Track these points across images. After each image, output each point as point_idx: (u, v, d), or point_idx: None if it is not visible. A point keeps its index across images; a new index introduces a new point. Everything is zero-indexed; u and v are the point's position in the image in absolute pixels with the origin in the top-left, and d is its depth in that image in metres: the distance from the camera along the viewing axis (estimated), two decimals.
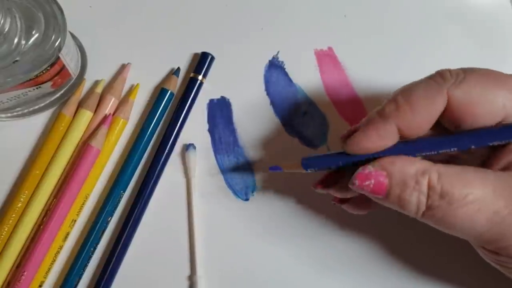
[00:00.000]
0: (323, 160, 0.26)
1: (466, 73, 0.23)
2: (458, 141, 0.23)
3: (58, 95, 0.31)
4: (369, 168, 0.23)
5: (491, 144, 0.23)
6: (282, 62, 0.34)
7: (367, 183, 0.23)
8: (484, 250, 0.24)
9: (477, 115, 0.23)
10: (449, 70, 0.24)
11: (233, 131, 0.33)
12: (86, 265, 0.30)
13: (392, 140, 0.23)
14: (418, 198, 0.22)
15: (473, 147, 0.23)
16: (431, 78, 0.24)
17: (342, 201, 0.28)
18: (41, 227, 0.30)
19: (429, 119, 0.23)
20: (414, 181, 0.22)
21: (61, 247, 0.30)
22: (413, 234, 0.31)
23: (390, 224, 0.31)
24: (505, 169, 0.23)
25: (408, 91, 0.23)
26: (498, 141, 0.23)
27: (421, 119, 0.23)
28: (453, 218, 0.22)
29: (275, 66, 0.34)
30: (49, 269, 0.30)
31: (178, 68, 0.33)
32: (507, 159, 0.23)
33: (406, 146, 0.24)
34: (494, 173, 0.23)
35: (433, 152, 0.23)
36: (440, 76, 0.23)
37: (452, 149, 0.23)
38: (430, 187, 0.22)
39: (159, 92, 0.32)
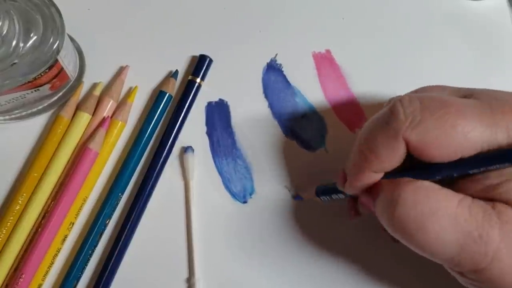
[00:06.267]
0: (332, 189, 0.29)
1: (422, 112, 0.23)
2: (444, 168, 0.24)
3: (56, 97, 0.31)
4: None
5: (473, 171, 0.23)
6: (280, 64, 0.34)
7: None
8: (457, 274, 0.24)
9: (434, 156, 0.23)
10: (403, 107, 0.24)
11: (231, 133, 0.33)
12: (84, 268, 0.30)
13: (375, 180, 0.26)
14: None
15: (455, 175, 0.23)
16: (388, 122, 0.24)
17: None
18: (39, 229, 0.30)
19: (397, 160, 0.24)
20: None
21: (59, 250, 0.30)
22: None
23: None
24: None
25: (371, 142, 0.25)
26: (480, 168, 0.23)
27: (389, 162, 0.24)
28: (423, 232, 0.23)
29: (273, 68, 0.34)
30: (47, 272, 0.30)
31: (176, 70, 0.33)
32: (472, 189, 0.24)
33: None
34: (471, 198, 0.23)
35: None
36: (394, 119, 0.24)
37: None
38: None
39: (157, 94, 0.32)
